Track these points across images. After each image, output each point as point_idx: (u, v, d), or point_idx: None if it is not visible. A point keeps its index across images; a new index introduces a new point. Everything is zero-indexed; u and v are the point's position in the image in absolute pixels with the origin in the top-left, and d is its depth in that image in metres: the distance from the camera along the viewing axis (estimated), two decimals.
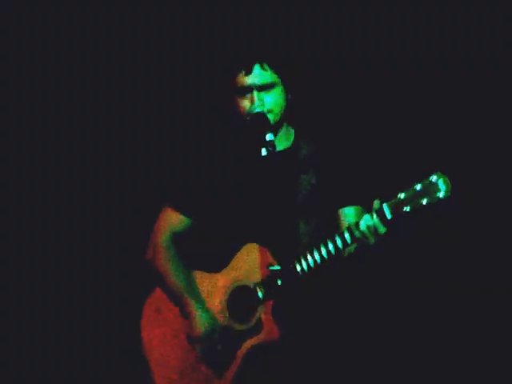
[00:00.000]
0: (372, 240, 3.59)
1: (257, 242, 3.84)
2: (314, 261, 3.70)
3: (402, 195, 3.57)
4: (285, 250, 3.81)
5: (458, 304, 4.74)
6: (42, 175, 4.95)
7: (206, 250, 3.99)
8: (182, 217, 3.99)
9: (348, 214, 3.91)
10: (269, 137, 3.72)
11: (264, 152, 3.70)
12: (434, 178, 3.53)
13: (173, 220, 3.99)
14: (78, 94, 4.93)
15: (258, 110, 3.78)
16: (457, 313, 4.75)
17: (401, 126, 4.76)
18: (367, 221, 3.58)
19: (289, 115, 3.94)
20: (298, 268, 3.73)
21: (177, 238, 4.00)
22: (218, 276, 3.91)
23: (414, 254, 4.73)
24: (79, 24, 4.88)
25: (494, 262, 4.71)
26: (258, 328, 3.79)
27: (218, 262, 3.92)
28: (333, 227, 3.89)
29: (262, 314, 3.79)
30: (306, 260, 3.71)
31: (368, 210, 3.62)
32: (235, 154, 3.98)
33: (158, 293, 3.99)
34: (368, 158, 4.61)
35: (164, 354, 3.90)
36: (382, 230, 3.57)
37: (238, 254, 3.88)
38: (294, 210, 3.88)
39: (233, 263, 3.88)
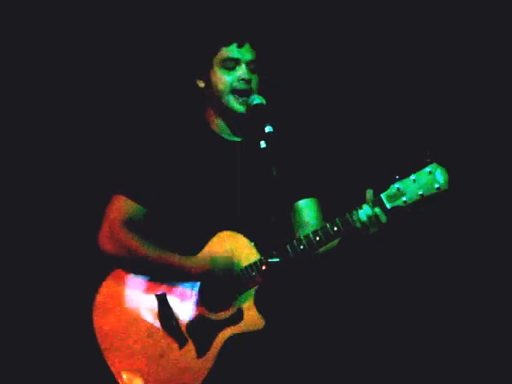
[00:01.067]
0: (372, 230, 3.53)
1: (230, 230, 3.72)
2: (310, 245, 3.61)
3: (397, 185, 3.51)
4: (258, 237, 3.71)
5: (454, 302, 4.76)
6: None
7: (173, 239, 3.78)
8: (135, 205, 3.78)
9: (306, 205, 3.88)
10: (268, 129, 3.62)
11: (263, 144, 3.61)
12: (429, 169, 3.49)
13: (126, 207, 3.78)
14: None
15: (257, 101, 3.69)
16: (453, 311, 4.77)
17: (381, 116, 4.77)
18: (367, 211, 3.52)
19: None
20: (294, 252, 3.62)
21: (133, 224, 3.77)
22: None
23: (401, 248, 4.73)
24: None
25: (494, 261, 4.73)
26: (237, 318, 3.67)
27: (186, 252, 3.74)
28: (294, 220, 3.87)
29: (242, 303, 3.68)
30: (302, 244, 3.62)
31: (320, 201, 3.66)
32: (195, 140, 3.85)
33: (112, 280, 3.79)
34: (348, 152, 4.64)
35: (124, 346, 3.72)
36: (383, 219, 3.51)
37: (212, 241, 3.73)
38: (258, 200, 3.78)
39: (205, 251, 3.72)
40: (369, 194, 3.54)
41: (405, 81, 4.74)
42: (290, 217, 3.89)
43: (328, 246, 3.67)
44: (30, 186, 4.73)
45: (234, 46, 3.76)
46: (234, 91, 3.76)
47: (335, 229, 3.60)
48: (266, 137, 3.62)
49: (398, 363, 4.74)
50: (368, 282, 4.75)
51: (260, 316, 3.67)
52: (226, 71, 3.77)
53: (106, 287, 3.80)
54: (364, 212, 3.52)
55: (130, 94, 4.73)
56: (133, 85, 4.73)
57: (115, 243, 3.77)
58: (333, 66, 4.75)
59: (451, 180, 3.47)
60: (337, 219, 3.61)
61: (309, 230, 3.68)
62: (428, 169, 3.49)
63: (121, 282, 3.79)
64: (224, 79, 3.76)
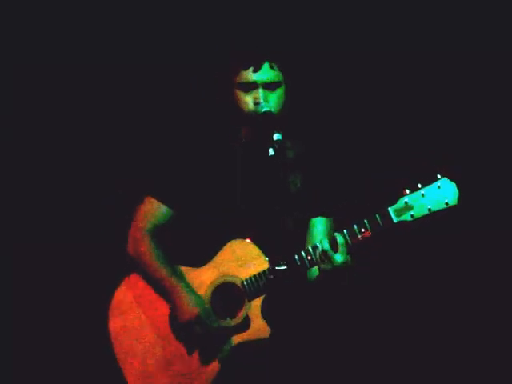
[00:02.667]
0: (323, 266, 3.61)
1: (242, 238, 3.77)
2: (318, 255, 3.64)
3: (406, 199, 3.49)
4: (271, 247, 3.74)
5: (454, 304, 4.76)
6: None
7: (190, 243, 3.87)
8: (164, 208, 3.87)
9: (319, 224, 3.89)
10: (276, 137, 3.67)
11: (271, 152, 3.67)
12: (439, 184, 3.46)
13: (155, 211, 3.87)
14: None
15: (265, 109, 3.73)
16: (452, 313, 4.76)
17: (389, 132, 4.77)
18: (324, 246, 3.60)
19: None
20: (302, 262, 3.66)
21: (158, 230, 3.87)
22: (202, 271, 3.79)
23: (407, 253, 4.74)
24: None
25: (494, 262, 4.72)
26: (245, 325, 3.70)
27: (201, 257, 3.81)
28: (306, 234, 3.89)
29: (250, 311, 3.70)
30: (310, 255, 3.66)
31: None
32: (226, 150, 3.90)
33: (129, 284, 3.86)
34: (358, 163, 4.64)
35: (135, 348, 3.78)
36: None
37: (225, 249, 3.78)
38: (281, 209, 3.79)
39: (218, 258, 3.77)
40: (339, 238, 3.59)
41: (417, 94, 4.73)
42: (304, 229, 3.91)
43: None
44: (53, 184, 4.84)
45: (250, 70, 3.82)
46: (252, 112, 3.81)
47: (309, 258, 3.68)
48: (274, 144, 3.66)
49: (404, 371, 4.74)
50: (374, 291, 4.76)
51: (266, 324, 3.70)
52: (243, 93, 3.82)
53: (123, 290, 3.87)
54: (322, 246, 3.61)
55: (167, 100, 4.85)
56: (169, 92, 4.86)
57: (134, 248, 3.88)
58: (348, 82, 4.80)
59: (461, 195, 3.43)
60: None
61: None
62: (438, 183, 3.46)
63: (137, 286, 3.86)
64: (242, 100, 3.82)
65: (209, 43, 4.75)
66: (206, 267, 3.78)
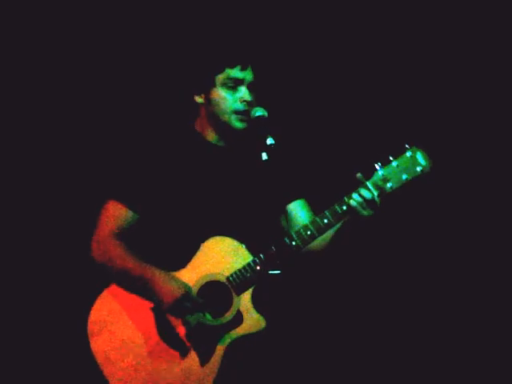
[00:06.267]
0: (364, 212, 3.60)
1: (219, 235, 3.75)
2: (302, 240, 3.67)
3: (381, 172, 3.57)
4: (250, 239, 3.75)
5: (453, 302, 4.81)
6: None
7: (165, 248, 3.80)
8: (129, 212, 3.81)
9: (296, 207, 3.92)
10: (269, 141, 3.67)
11: (265, 156, 3.67)
12: (410, 153, 3.56)
13: (118, 214, 3.80)
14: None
15: (258, 113, 3.75)
16: (451, 310, 4.82)
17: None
18: (364, 194, 3.58)
19: None
20: (290, 242, 3.68)
21: (124, 234, 3.79)
22: (181, 273, 3.75)
23: (399, 248, 4.80)
24: None
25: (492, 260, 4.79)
26: (238, 320, 3.69)
27: (179, 260, 3.76)
28: (287, 221, 3.91)
29: (240, 305, 3.69)
30: (294, 240, 3.67)
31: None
32: (188, 148, 3.89)
33: (105, 297, 3.78)
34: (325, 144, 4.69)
35: (125, 363, 3.71)
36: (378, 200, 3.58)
37: (202, 249, 3.75)
38: (247, 203, 3.83)
39: (197, 259, 3.75)
40: (360, 177, 3.60)
41: (382, 69, 4.82)
42: (279, 221, 3.94)
43: (323, 240, 3.75)
44: (24, 188, 4.77)
45: (237, 68, 3.83)
46: (236, 111, 3.82)
47: (325, 221, 3.66)
48: (268, 149, 3.67)
49: (399, 364, 4.77)
50: (367, 280, 4.79)
51: (260, 316, 3.70)
52: (228, 91, 3.83)
53: (100, 304, 3.79)
54: (359, 195, 3.59)
55: (125, 101, 4.82)
56: (129, 91, 4.82)
57: (103, 253, 3.78)
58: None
59: (432, 161, 3.55)
60: (326, 212, 3.67)
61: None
62: (408, 153, 3.56)
63: (115, 298, 3.78)
64: (226, 99, 3.83)
65: (190, 41, 4.73)
66: (184, 270, 3.75)
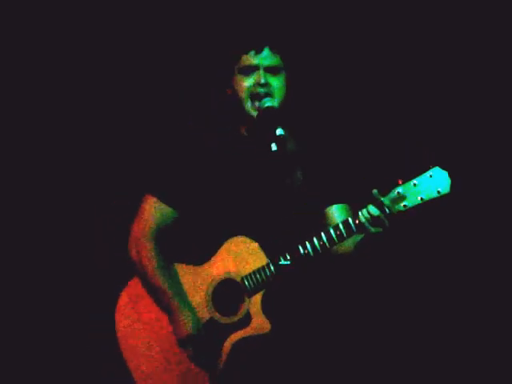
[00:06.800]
0: (372, 229, 3.55)
1: (243, 235, 3.78)
2: (318, 246, 3.65)
3: (398, 190, 3.50)
4: (272, 244, 3.74)
5: (455, 304, 4.74)
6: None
7: (190, 242, 3.87)
8: (168, 208, 3.85)
9: (335, 211, 3.87)
10: (279, 131, 3.67)
11: (274, 147, 3.66)
12: (431, 173, 3.47)
13: (158, 212, 3.85)
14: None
15: (268, 104, 3.73)
16: (454, 313, 4.75)
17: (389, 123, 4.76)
18: (372, 211, 3.54)
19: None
20: (304, 251, 3.66)
21: (161, 231, 3.85)
22: (203, 268, 3.80)
23: (406, 250, 4.72)
24: None
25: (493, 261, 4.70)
26: (245, 321, 3.72)
27: (202, 255, 3.81)
28: (321, 224, 3.84)
29: (250, 307, 3.72)
30: (312, 244, 3.66)
31: (354, 208, 3.62)
32: (226, 148, 3.90)
33: (134, 285, 3.86)
34: (357, 155, 4.61)
35: (140, 346, 3.80)
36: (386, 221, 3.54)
37: (225, 246, 3.78)
38: (283, 206, 3.81)
39: (218, 255, 3.78)
40: (375, 194, 3.54)
41: (409, 85, 4.73)
42: (315, 221, 3.89)
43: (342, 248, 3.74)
44: (56, 186, 4.85)
45: (252, 53, 3.81)
46: (252, 96, 3.80)
47: (338, 232, 3.62)
48: (277, 139, 3.66)
49: (408, 368, 4.72)
50: (375, 285, 4.75)
51: (266, 320, 3.72)
52: (244, 77, 3.81)
53: (129, 289, 3.88)
54: (367, 212, 3.54)
55: (166, 98, 4.85)
56: (164, 88, 4.85)
57: (136, 253, 3.85)
58: (345, 75, 4.81)
59: (453, 184, 3.44)
60: (340, 223, 3.64)
61: None
62: (430, 173, 3.47)
63: (140, 288, 3.87)
64: (242, 84, 3.81)
65: (208, 34, 4.72)
66: (206, 265, 3.79)
